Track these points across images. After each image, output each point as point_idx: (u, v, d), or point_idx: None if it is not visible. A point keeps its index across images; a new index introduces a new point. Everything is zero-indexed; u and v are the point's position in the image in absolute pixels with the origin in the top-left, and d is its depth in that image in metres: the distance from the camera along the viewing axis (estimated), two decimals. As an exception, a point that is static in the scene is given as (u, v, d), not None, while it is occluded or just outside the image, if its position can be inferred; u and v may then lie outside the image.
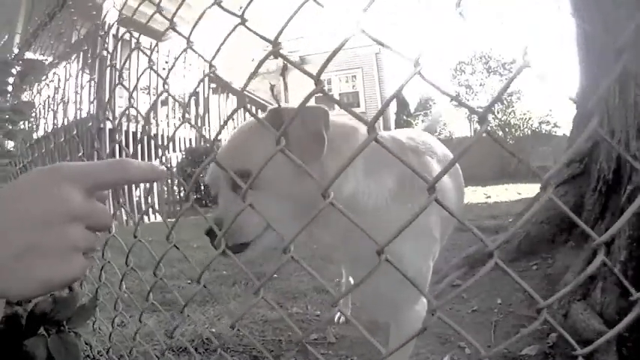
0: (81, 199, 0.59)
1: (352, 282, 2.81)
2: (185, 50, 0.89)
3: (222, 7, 0.80)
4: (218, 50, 0.81)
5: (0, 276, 0.54)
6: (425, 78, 0.60)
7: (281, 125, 1.24)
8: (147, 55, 1.00)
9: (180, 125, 0.99)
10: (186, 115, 0.90)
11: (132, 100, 1.15)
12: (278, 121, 1.24)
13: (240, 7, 0.74)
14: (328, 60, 0.62)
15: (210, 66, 0.81)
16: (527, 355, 2.20)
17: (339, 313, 2.86)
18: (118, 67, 1.34)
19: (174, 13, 0.92)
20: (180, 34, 0.89)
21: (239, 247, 1.22)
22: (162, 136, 9.57)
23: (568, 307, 2.46)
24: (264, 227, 1.23)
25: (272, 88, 20.00)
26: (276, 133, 0.69)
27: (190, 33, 0.87)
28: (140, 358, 1.95)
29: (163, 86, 0.96)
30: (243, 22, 0.74)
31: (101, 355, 1.99)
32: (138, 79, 1.23)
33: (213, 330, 2.73)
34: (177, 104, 10.38)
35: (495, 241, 0.64)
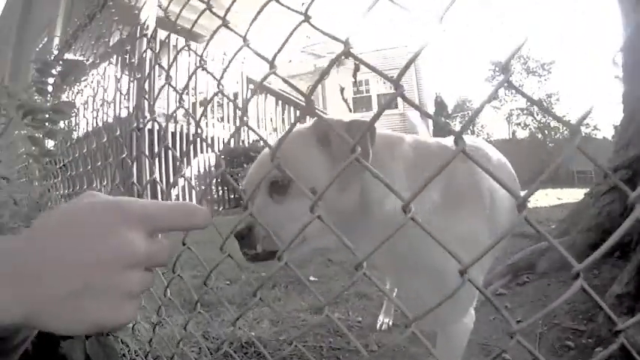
0: (144, 244, 0.57)
1: (395, 291, 2.78)
2: (241, 49, 0.86)
3: (281, 4, 0.79)
4: (280, 50, 0.78)
5: (51, 310, 0.51)
6: (515, 86, 0.56)
7: (325, 134, 1.25)
8: (198, 55, 0.97)
9: (239, 127, 0.96)
10: (244, 118, 0.87)
11: (182, 102, 1.12)
12: (323, 131, 1.25)
13: (303, 4, 0.71)
14: (410, 61, 0.57)
15: (271, 66, 0.77)
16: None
17: (380, 321, 2.82)
18: (158, 68, 1.33)
19: (227, 10, 0.89)
20: (235, 32, 0.86)
21: (269, 255, 1.19)
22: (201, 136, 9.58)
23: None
24: (300, 237, 1.20)
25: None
26: (351, 142, 0.65)
27: (247, 31, 0.84)
28: (177, 358, 1.92)
29: (218, 87, 0.93)
30: (307, 19, 0.71)
31: (137, 356, 1.98)
32: (189, 80, 1.20)
33: (253, 333, 2.70)
34: (215, 105, 10.46)
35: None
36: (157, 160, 8.42)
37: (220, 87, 0.92)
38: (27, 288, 0.50)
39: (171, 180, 8.71)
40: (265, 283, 0.88)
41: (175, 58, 1.43)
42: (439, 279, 1.31)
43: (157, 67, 1.36)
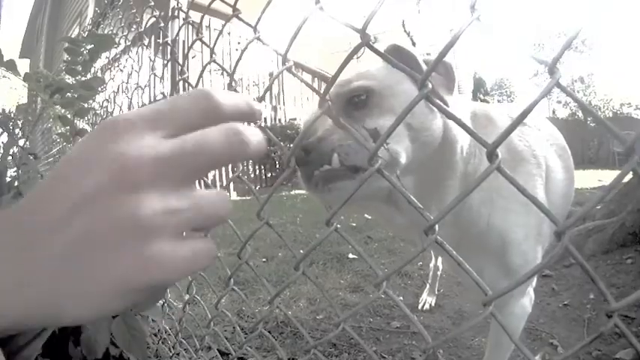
0: (157, 148, 0.37)
1: (439, 265, 2.69)
2: (254, 40, 0.88)
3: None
4: (292, 41, 0.78)
5: (48, 284, 0.35)
6: (565, 88, 0.47)
7: (402, 61, 1.16)
8: (251, 26, 0.92)
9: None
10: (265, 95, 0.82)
11: (233, 84, 1.04)
12: (399, 57, 1.14)
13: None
14: (451, 43, 0.51)
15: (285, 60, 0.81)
16: (622, 359, 2.02)
17: (423, 300, 2.75)
18: (188, 48, 1.29)
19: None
20: (248, 23, 0.85)
21: (345, 173, 0.99)
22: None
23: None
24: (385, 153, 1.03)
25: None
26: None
27: (257, 22, 0.85)
28: (209, 338, 1.86)
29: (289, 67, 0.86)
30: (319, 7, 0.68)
31: (168, 335, 1.93)
32: (240, 55, 1.12)
33: (289, 312, 2.64)
34: (250, 85, 10.47)
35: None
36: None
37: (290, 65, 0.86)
38: (19, 268, 0.35)
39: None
40: (303, 260, 0.78)
41: (220, 34, 1.32)
42: (505, 249, 1.28)
43: (188, 46, 1.31)
